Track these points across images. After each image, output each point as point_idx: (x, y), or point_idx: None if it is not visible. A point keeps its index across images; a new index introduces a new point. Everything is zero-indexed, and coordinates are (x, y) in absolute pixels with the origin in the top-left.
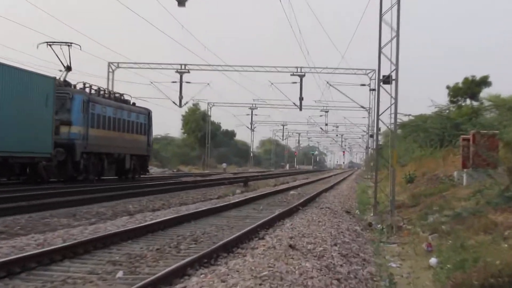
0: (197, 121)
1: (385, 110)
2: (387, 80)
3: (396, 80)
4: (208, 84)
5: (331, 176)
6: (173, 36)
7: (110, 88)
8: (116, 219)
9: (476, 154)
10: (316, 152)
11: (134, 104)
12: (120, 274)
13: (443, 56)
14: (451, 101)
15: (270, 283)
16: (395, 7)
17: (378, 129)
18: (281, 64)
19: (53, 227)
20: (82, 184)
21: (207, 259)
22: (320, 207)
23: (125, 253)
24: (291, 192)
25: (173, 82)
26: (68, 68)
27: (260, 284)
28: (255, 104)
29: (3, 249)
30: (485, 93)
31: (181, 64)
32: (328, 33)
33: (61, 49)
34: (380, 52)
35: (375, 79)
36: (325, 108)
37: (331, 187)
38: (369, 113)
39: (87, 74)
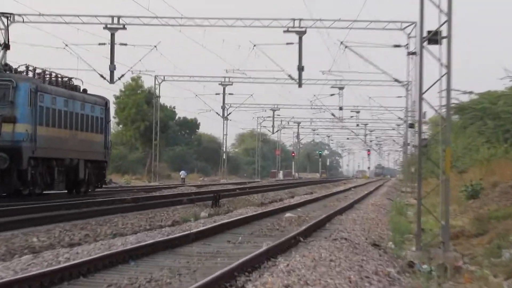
0: (138, 105)
1: (432, 86)
2: (434, 38)
3: (449, 38)
4: (155, 46)
5: (349, 189)
6: None
7: (52, 70)
8: (13, 259)
9: None
10: (326, 152)
11: (85, 91)
12: None
13: None
14: None
15: None
16: None
17: (422, 115)
18: (270, 15)
19: None
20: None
21: None
22: (333, 237)
23: None
24: (287, 214)
25: (101, 44)
26: (6, 46)
27: None
28: (228, 78)
29: None
30: None
31: (111, 16)
32: None
33: (1, 21)
34: None
35: (415, 36)
36: (338, 83)
37: (350, 207)
38: (407, 90)
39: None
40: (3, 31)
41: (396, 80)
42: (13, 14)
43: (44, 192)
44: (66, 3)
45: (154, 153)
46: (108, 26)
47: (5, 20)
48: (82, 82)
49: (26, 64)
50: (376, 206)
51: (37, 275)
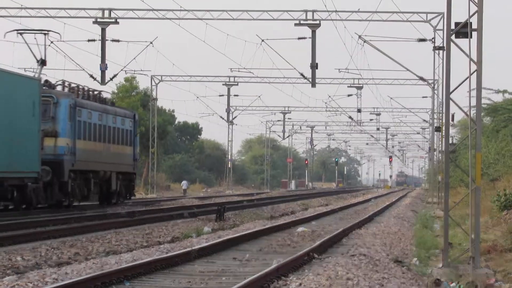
0: (133, 109)
1: (461, 84)
2: (463, 30)
3: (479, 30)
4: (152, 43)
5: (368, 200)
6: None
7: (84, 85)
8: None
9: None
10: (342, 159)
11: (113, 103)
12: None
13: None
14: None
15: None
16: None
17: (451, 117)
18: (279, 6)
19: None
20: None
21: None
22: (351, 253)
23: None
24: (300, 228)
25: (91, 40)
26: (43, 62)
27: None
28: (234, 77)
29: None
30: None
31: (102, 9)
32: None
33: (35, 38)
34: None
35: (442, 29)
36: (356, 82)
37: (370, 220)
38: (433, 89)
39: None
40: (40, 47)
41: (421, 79)
42: (50, 31)
43: (81, 203)
44: None
45: (151, 162)
46: (98, 20)
47: (42, 37)
48: (113, 99)
49: (62, 80)
50: (399, 218)
51: None
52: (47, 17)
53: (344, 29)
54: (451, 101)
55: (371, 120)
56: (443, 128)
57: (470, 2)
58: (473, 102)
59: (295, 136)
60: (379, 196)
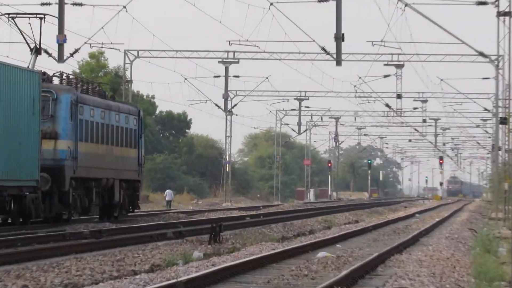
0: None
1: None
2: None
3: None
4: (125, 7)
5: (412, 215)
6: None
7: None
8: None
9: None
10: (377, 161)
11: (113, 98)
12: None
13: None
14: None
15: None
16: None
17: None
18: None
19: None
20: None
21: None
22: (389, 286)
23: None
24: (321, 253)
25: (44, 4)
26: (37, 51)
27: None
28: (233, 53)
29: None
30: None
31: None
32: None
33: (29, 23)
34: None
35: None
36: (395, 58)
37: (414, 242)
38: (497, 67)
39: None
40: (37, 35)
41: (480, 54)
42: (46, 15)
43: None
44: None
45: None
46: None
47: (38, 22)
48: (110, 87)
49: (59, 71)
50: (452, 240)
51: None
52: None
53: None
54: None
55: (415, 109)
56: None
57: None
58: None
59: (315, 130)
60: (426, 210)
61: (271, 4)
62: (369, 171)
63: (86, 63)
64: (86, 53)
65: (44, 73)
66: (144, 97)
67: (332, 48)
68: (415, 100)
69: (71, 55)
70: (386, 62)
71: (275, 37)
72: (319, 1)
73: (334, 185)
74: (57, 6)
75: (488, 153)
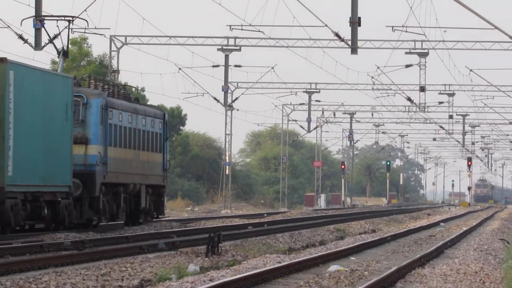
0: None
1: None
2: None
3: None
4: None
5: (436, 223)
6: None
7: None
8: None
9: None
10: (398, 163)
11: (138, 100)
12: None
13: None
14: None
15: None
16: None
17: None
18: None
19: None
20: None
21: None
22: None
23: None
24: (333, 267)
25: None
26: (64, 54)
27: None
28: (234, 39)
29: None
30: None
31: None
32: None
33: (57, 26)
34: None
35: None
36: (419, 46)
37: (438, 254)
38: None
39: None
40: (64, 38)
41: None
42: (75, 18)
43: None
44: None
45: None
46: None
47: (66, 24)
48: (137, 90)
49: (88, 74)
50: (482, 252)
51: None
52: None
53: None
54: None
55: (440, 103)
56: None
57: None
58: None
59: (326, 128)
60: (452, 218)
61: None
62: (387, 174)
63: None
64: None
65: (74, 77)
66: (133, 89)
67: (347, 34)
68: (440, 94)
69: (50, 41)
70: (408, 50)
71: (282, 21)
72: None
73: (348, 189)
74: None
75: None
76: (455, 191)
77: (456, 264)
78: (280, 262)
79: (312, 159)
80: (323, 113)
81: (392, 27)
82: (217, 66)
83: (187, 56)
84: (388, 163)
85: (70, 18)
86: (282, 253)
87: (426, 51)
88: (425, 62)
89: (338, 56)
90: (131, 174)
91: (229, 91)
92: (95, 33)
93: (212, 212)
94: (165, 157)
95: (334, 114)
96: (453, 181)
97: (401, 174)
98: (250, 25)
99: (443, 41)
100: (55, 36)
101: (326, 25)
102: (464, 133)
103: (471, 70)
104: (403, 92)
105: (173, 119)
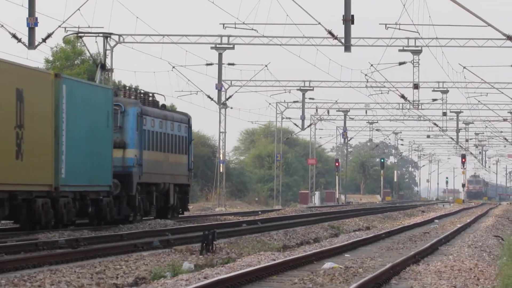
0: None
1: None
2: None
3: None
4: None
5: (431, 220)
6: None
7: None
8: None
9: None
10: (391, 160)
11: (164, 106)
12: None
13: None
14: None
15: None
16: None
17: None
18: None
19: None
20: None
21: None
22: None
23: None
24: (327, 264)
25: None
26: (102, 67)
27: None
28: (228, 37)
29: None
30: None
31: None
32: None
33: (95, 42)
34: None
35: None
36: (412, 43)
37: (432, 250)
38: None
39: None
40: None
41: (509, 38)
42: (112, 34)
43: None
44: None
45: None
46: None
47: (103, 40)
48: (165, 98)
49: (123, 85)
50: (476, 248)
51: None
52: None
53: None
54: None
55: (434, 100)
56: None
57: None
58: None
59: (320, 125)
60: (447, 215)
61: None
62: (381, 171)
63: (60, 49)
64: (60, 39)
65: (113, 88)
66: (127, 87)
67: (340, 31)
68: (434, 91)
69: (43, 40)
70: (401, 48)
71: (275, 19)
72: None
73: (342, 187)
74: None
75: None
76: (449, 188)
77: (451, 261)
78: (274, 260)
79: (306, 157)
80: (317, 110)
81: (386, 24)
82: (211, 64)
83: (181, 55)
84: (382, 160)
85: (108, 35)
86: (276, 251)
87: (419, 48)
88: (419, 59)
89: (331, 54)
90: (162, 175)
91: (223, 89)
92: (89, 32)
93: (206, 210)
94: (190, 158)
95: (328, 112)
96: (447, 178)
97: (395, 171)
98: (244, 23)
99: (437, 38)
100: (48, 36)
101: (319, 23)
102: (458, 130)
103: (464, 67)
104: (397, 90)
105: None
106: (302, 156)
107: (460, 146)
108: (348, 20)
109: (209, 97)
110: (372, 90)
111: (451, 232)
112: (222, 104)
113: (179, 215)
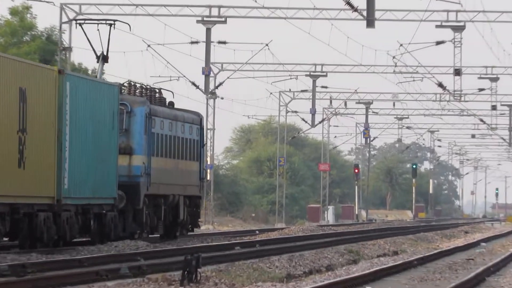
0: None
1: None
2: None
3: None
4: None
5: (476, 243)
6: None
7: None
8: None
9: None
10: (426, 166)
11: (172, 104)
12: None
13: None
14: None
15: None
16: None
17: None
18: None
19: None
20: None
21: None
22: None
23: None
24: None
25: None
26: (104, 59)
27: None
28: (218, 8)
29: None
30: None
31: None
32: None
33: (98, 30)
34: None
35: None
36: (452, 17)
37: (477, 281)
38: None
39: None
40: (104, 42)
41: None
42: (116, 21)
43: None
44: None
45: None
46: None
47: (106, 28)
48: (173, 94)
49: (128, 80)
50: None
51: None
52: None
53: None
54: None
55: (480, 90)
56: None
57: None
58: None
59: (336, 121)
60: (496, 237)
61: None
62: (413, 181)
63: (6, 22)
64: (5, 10)
65: (130, 84)
66: (89, 71)
67: (361, 2)
68: (480, 78)
69: None
70: (439, 23)
71: None
72: None
73: (363, 200)
74: None
75: None
76: (500, 202)
77: None
78: None
79: (317, 161)
80: (331, 102)
81: None
82: (197, 42)
83: (159, 30)
84: (414, 166)
85: (112, 22)
86: (278, 281)
87: (462, 24)
88: (461, 38)
89: (350, 31)
90: (171, 185)
91: (212, 74)
92: (41, 1)
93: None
94: (202, 165)
95: (346, 104)
96: (497, 189)
97: (430, 181)
98: None
99: (484, 11)
100: None
101: None
102: (511, 128)
103: None
104: (433, 76)
105: None
106: (312, 160)
107: None
108: None
109: (193, 84)
110: (401, 76)
111: (502, 258)
112: (210, 93)
113: (188, 233)
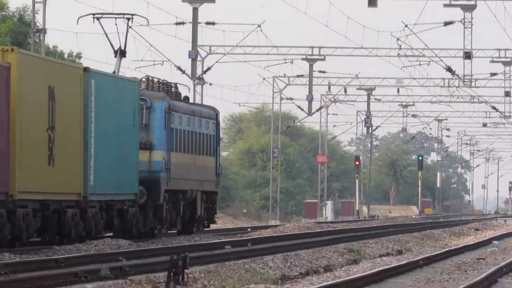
0: None
1: None
2: None
3: None
4: None
5: (487, 242)
6: None
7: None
8: None
9: None
10: (433, 157)
11: (187, 99)
12: None
13: None
14: None
15: None
16: None
17: None
18: None
19: None
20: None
21: None
22: None
23: None
24: None
25: None
26: (121, 54)
27: None
28: None
29: None
30: None
31: None
32: None
33: (115, 24)
34: None
35: None
36: None
37: (489, 283)
38: None
39: None
40: (122, 37)
41: None
42: (134, 15)
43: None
44: None
45: None
46: None
47: (124, 23)
48: (189, 89)
49: (146, 75)
50: None
51: None
52: None
53: None
54: None
55: (492, 75)
56: None
57: None
58: None
59: (335, 109)
60: (509, 235)
61: None
62: (419, 174)
63: None
64: None
65: (150, 80)
66: (65, 55)
67: None
68: (492, 62)
69: None
70: (447, 2)
71: None
72: None
73: (365, 195)
74: None
75: None
76: None
77: None
78: None
79: (315, 153)
80: (329, 88)
81: None
82: (182, 23)
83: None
84: (420, 158)
85: (130, 16)
86: (272, 283)
87: (472, 2)
88: (472, 18)
89: (350, 10)
90: (189, 180)
91: (199, 58)
92: None
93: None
94: (218, 160)
95: (345, 90)
96: (510, 183)
97: (438, 174)
98: None
99: None
100: None
101: None
102: None
103: None
104: (441, 60)
105: None
106: (308, 151)
107: None
108: None
109: (179, 68)
110: (406, 60)
111: None
112: (198, 79)
113: (205, 229)
